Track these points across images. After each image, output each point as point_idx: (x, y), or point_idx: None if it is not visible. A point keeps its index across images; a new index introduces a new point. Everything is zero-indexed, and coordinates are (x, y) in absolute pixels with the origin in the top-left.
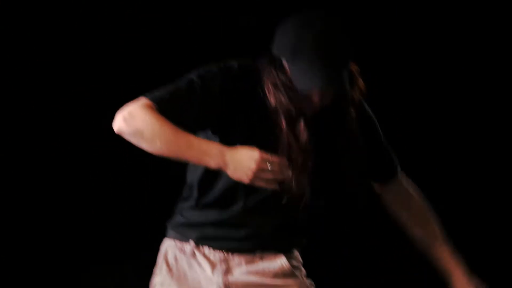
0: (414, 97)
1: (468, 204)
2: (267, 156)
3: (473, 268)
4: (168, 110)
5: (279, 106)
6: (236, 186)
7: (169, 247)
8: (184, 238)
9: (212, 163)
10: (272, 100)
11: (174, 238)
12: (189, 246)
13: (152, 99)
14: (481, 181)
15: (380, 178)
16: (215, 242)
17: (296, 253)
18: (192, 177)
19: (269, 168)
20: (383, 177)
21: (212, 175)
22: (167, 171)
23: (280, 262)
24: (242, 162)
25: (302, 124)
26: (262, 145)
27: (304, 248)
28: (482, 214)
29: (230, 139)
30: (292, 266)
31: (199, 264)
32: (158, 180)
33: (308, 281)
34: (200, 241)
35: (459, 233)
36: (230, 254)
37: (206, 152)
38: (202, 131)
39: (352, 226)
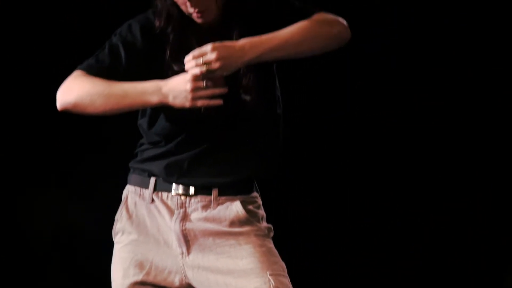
0: (414, 97)
1: (468, 204)
2: (198, 74)
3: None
4: (98, 71)
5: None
6: (180, 118)
7: (129, 193)
8: (143, 184)
9: (153, 100)
10: (158, 23)
11: (134, 184)
12: (148, 191)
13: (82, 68)
14: (481, 181)
15: None
16: (172, 176)
17: (255, 194)
18: (142, 122)
19: (204, 85)
20: None
21: (156, 114)
22: None
23: (235, 209)
24: (178, 87)
25: (193, 38)
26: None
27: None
28: (482, 214)
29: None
30: (249, 211)
31: (158, 211)
32: None
33: (264, 225)
34: (159, 178)
35: (459, 233)
36: (187, 198)
37: (143, 92)
38: (142, 78)
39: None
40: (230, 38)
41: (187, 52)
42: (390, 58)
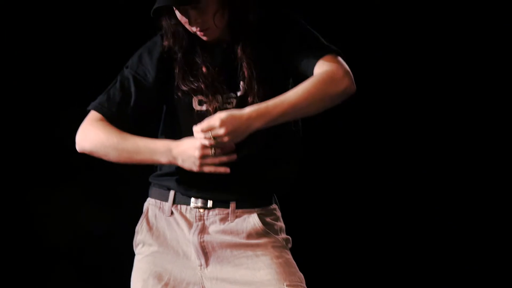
0: (414, 97)
1: (468, 204)
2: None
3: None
4: (109, 110)
5: (175, 44)
6: None
7: (150, 205)
8: (163, 197)
9: (163, 159)
10: (166, 43)
11: (154, 197)
12: (167, 204)
13: (95, 108)
14: (481, 181)
15: (303, 69)
16: (191, 189)
17: (273, 207)
18: (162, 138)
19: (212, 153)
20: (305, 68)
21: (175, 131)
22: None
23: (253, 221)
24: (187, 152)
25: (200, 51)
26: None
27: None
28: (482, 214)
29: (177, 98)
30: (266, 223)
31: (177, 223)
32: None
33: (282, 237)
34: (177, 192)
35: (459, 233)
36: (205, 211)
37: (154, 151)
38: (155, 107)
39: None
40: (236, 54)
41: (195, 71)
42: (390, 58)
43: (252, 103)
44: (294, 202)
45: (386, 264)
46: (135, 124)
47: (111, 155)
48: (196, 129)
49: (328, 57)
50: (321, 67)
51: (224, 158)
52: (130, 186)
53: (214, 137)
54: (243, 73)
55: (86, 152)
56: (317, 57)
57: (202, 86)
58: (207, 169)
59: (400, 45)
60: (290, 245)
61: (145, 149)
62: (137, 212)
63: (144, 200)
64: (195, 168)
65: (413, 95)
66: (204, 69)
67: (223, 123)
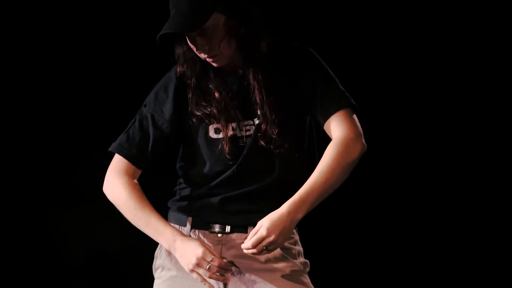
0: (414, 97)
1: (468, 204)
2: (209, 255)
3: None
4: (129, 151)
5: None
6: (216, 165)
7: None
8: (181, 222)
9: (164, 244)
10: (179, 69)
11: (173, 222)
12: (186, 229)
13: (116, 150)
14: (481, 181)
15: (317, 117)
16: (209, 215)
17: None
18: (180, 166)
19: (206, 268)
20: (319, 116)
21: (193, 161)
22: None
23: None
24: (187, 253)
25: (212, 76)
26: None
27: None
28: (482, 214)
29: (196, 127)
30: (284, 248)
31: None
32: None
33: (300, 261)
34: (195, 218)
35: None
36: (223, 236)
37: (161, 234)
38: (174, 142)
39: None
40: (248, 80)
41: (208, 96)
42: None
43: (266, 130)
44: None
45: (390, 267)
46: (155, 160)
47: (127, 216)
48: (246, 246)
49: (344, 113)
50: (336, 128)
51: (214, 276)
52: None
53: (267, 247)
54: (256, 99)
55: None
56: (334, 110)
57: (215, 111)
58: (195, 275)
59: (400, 45)
60: (308, 269)
61: (154, 226)
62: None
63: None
64: (187, 268)
65: (413, 95)
66: (216, 94)
67: (270, 231)
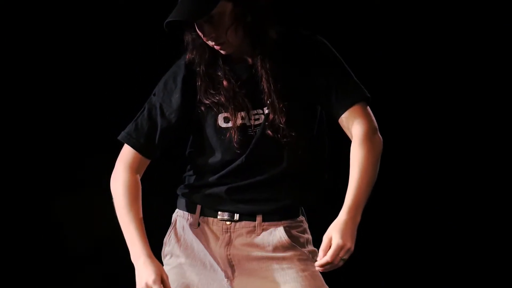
0: (414, 97)
1: (468, 204)
2: (154, 285)
3: (473, 268)
4: (137, 140)
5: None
6: (226, 153)
7: (178, 217)
8: (190, 209)
9: (131, 256)
10: (188, 56)
11: (182, 209)
12: (194, 216)
13: (124, 139)
14: (481, 181)
15: (332, 110)
16: (217, 202)
17: (300, 219)
18: (190, 152)
19: None
20: (334, 109)
21: (203, 148)
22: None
23: (279, 234)
24: (142, 275)
25: (222, 65)
26: (222, 100)
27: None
28: (482, 214)
29: (207, 113)
30: (293, 236)
31: (204, 235)
32: None
33: (308, 249)
34: (204, 206)
35: (459, 233)
36: (232, 224)
37: (132, 244)
38: (183, 131)
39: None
40: (256, 68)
41: (217, 85)
42: (390, 58)
43: (274, 119)
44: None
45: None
46: (163, 149)
47: (116, 211)
48: (323, 262)
49: (359, 107)
50: (355, 124)
51: None
52: (157, 195)
53: (343, 258)
54: (264, 88)
55: None
56: (350, 104)
57: (223, 99)
58: None
59: (400, 45)
60: (316, 257)
61: (129, 235)
62: (163, 220)
63: (170, 208)
64: (137, 286)
65: (413, 95)
66: (225, 83)
67: (344, 240)
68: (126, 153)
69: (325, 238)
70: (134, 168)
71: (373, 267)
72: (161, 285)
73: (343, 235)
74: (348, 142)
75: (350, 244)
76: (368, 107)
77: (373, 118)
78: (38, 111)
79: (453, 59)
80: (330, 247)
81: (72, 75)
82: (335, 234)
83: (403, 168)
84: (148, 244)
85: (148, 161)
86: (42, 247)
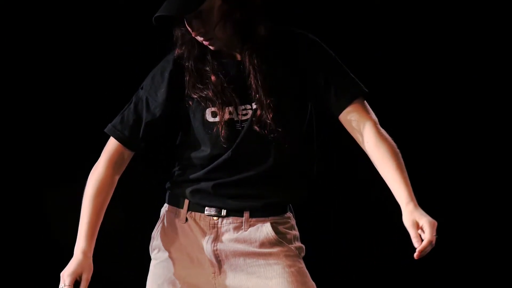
0: (413, 97)
1: (468, 204)
2: (68, 281)
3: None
4: (122, 133)
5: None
6: (213, 149)
7: (166, 212)
8: (178, 204)
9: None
10: (177, 51)
11: (170, 203)
12: (182, 211)
13: (109, 131)
14: (481, 181)
15: (331, 108)
16: (205, 198)
17: (288, 215)
18: (177, 147)
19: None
20: (333, 107)
21: (190, 144)
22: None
23: (266, 230)
24: (68, 265)
25: (210, 60)
26: (209, 95)
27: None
28: (482, 214)
29: (193, 107)
30: (280, 232)
31: (191, 230)
32: None
33: (295, 245)
34: (192, 201)
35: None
36: (219, 219)
37: (78, 238)
38: (169, 126)
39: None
40: (244, 64)
41: (205, 80)
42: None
43: (262, 115)
44: (307, 209)
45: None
46: (149, 142)
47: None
48: (427, 243)
49: (358, 103)
50: (357, 121)
51: None
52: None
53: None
54: (252, 84)
55: None
56: (349, 101)
57: (211, 94)
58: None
59: (400, 45)
60: (303, 254)
61: (80, 227)
62: (152, 211)
63: (157, 199)
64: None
65: (413, 95)
66: (213, 78)
67: (431, 219)
68: (111, 144)
69: (411, 227)
70: (116, 161)
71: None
72: (72, 283)
73: (425, 215)
74: (338, 139)
75: (434, 220)
76: (365, 102)
77: (372, 112)
78: (37, 110)
79: (453, 59)
80: (418, 233)
81: (65, 71)
82: (419, 218)
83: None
84: (92, 239)
85: (132, 153)
86: (35, 242)
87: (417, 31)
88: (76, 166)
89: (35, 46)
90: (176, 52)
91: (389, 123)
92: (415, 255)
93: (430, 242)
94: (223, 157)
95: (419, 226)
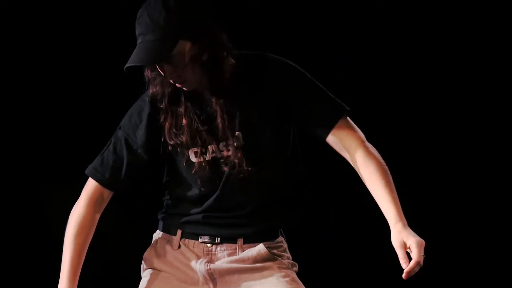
0: (413, 97)
1: (468, 204)
2: None
3: (473, 268)
4: (102, 175)
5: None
6: (201, 183)
7: (159, 238)
8: (171, 232)
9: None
10: (151, 91)
11: (163, 230)
12: (175, 238)
13: (90, 174)
14: (481, 181)
15: (316, 133)
16: (198, 228)
17: (280, 239)
18: (166, 181)
19: None
20: (318, 131)
21: (177, 179)
22: None
23: (258, 248)
24: None
25: (184, 101)
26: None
27: (292, 229)
28: (482, 214)
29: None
30: (273, 254)
31: (184, 256)
32: None
33: (288, 261)
34: (184, 230)
35: (459, 233)
36: (213, 246)
37: (60, 279)
38: (150, 164)
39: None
40: (211, 104)
41: (179, 123)
42: (390, 58)
43: (229, 156)
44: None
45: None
46: (131, 183)
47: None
48: (414, 263)
49: (342, 123)
50: (345, 142)
51: None
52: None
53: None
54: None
55: None
56: (334, 122)
57: (188, 138)
58: None
59: (399, 45)
60: (296, 269)
61: (62, 266)
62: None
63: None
64: None
65: (412, 95)
66: (184, 121)
67: (419, 238)
68: (90, 185)
69: (398, 248)
70: (96, 200)
71: (370, 268)
72: None
73: (413, 235)
74: (321, 156)
75: (422, 240)
76: (349, 119)
77: (358, 128)
78: (37, 110)
79: (453, 59)
80: (406, 253)
81: (65, 71)
82: (407, 238)
83: (403, 168)
84: (74, 279)
85: (112, 192)
86: (34, 242)
87: (417, 31)
88: (76, 165)
89: (35, 46)
90: (150, 92)
91: (389, 123)
92: (403, 275)
93: (417, 263)
94: (213, 196)
95: (407, 246)
